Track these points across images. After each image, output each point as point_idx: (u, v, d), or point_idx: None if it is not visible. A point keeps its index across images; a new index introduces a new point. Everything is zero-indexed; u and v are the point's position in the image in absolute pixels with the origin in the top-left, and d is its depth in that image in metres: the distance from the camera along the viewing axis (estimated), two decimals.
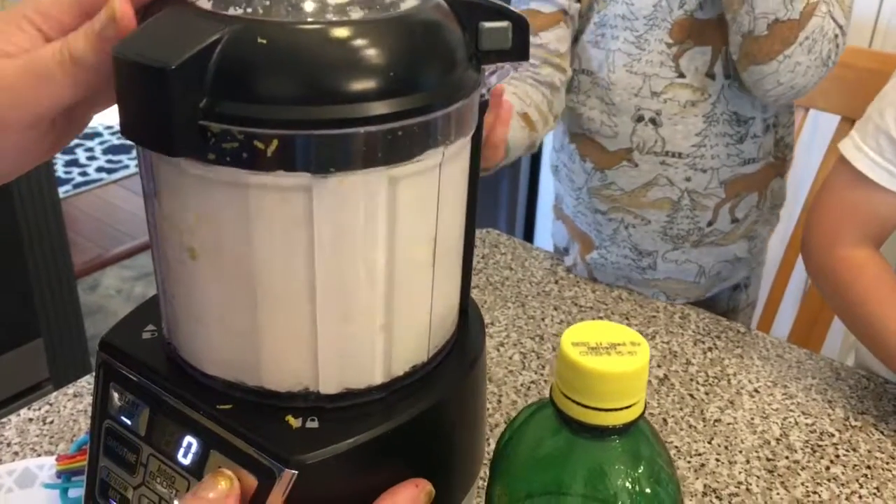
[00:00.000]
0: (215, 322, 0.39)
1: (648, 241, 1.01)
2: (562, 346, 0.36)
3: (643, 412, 0.37)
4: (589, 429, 0.36)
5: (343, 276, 0.37)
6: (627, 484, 0.37)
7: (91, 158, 3.10)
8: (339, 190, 0.35)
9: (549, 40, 0.95)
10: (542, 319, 0.93)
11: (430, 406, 0.41)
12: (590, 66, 0.96)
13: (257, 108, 0.34)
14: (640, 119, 0.94)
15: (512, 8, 0.41)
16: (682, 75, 0.92)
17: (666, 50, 0.91)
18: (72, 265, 1.89)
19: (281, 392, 0.39)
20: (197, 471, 0.39)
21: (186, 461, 0.40)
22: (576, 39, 0.98)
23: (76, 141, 3.18)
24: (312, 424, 0.39)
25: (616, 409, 0.36)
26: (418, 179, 0.38)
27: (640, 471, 0.37)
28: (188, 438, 0.40)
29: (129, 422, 0.42)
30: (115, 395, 0.43)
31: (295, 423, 0.39)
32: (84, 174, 3.00)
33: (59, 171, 2.98)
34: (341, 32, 0.35)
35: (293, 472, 0.37)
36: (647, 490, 0.37)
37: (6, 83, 0.37)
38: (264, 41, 0.34)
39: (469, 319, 0.47)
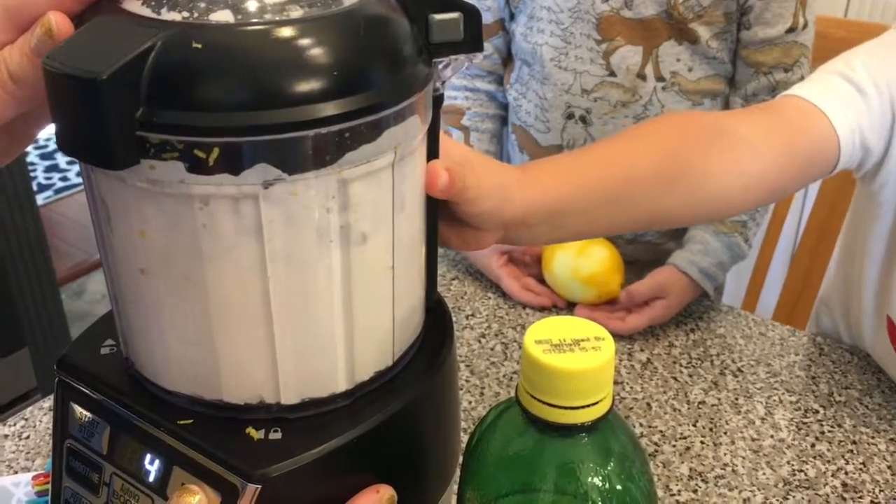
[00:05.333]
0: (171, 337, 0.38)
1: None
2: (525, 344, 0.35)
3: (611, 407, 0.36)
4: (556, 427, 0.36)
5: (298, 284, 0.36)
6: (598, 481, 0.36)
7: (71, 163, 3.07)
8: (287, 196, 0.34)
9: (492, 50, 0.98)
10: (524, 309, 0.92)
11: (396, 411, 0.40)
12: (526, 58, 0.96)
13: (196, 116, 0.33)
14: (570, 116, 0.94)
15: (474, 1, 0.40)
16: (612, 74, 0.91)
17: (595, 47, 0.91)
18: (54, 272, 1.87)
19: (241, 405, 0.38)
20: (160, 489, 0.38)
21: (150, 479, 0.39)
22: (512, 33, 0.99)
23: (55, 146, 3.15)
24: (276, 436, 0.38)
25: (583, 407, 0.35)
26: (372, 180, 0.37)
27: (610, 467, 0.36)
28: (150, 456, 0.39)
29: (90, 441, 0.41)
30: (76, 414, 0.42)
31: (257, 435, 0.38)
32: (65, 179, 2.97)
33: (40, 177, 2.95)
34: (281, 32, 0.33)
35: (256, 486, 0.36)
36: (618, 486, 0.36)
37: None
38: (199, 45, 0.32)
39: (436, 317, 0.46)
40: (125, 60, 0.32)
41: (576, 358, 0.34)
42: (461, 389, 0.79)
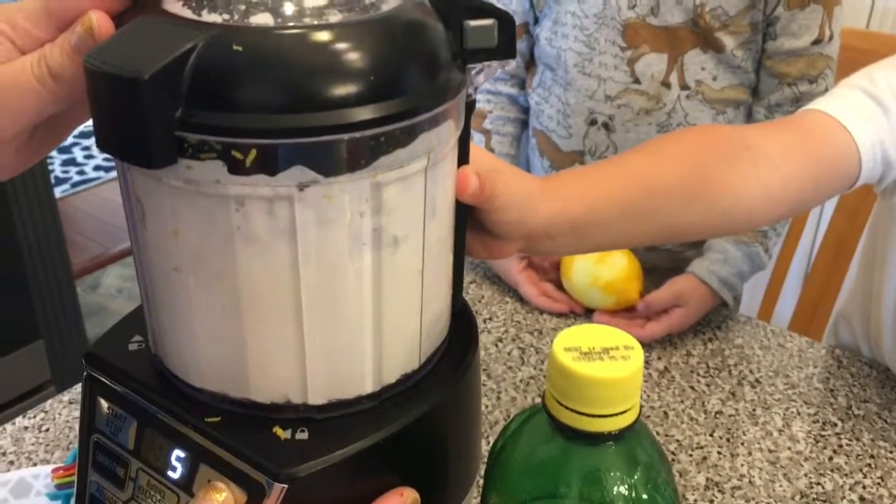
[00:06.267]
0: (201, 334, 0.38)
1: None
2: (553, 351, 0.35)
3: (638, 417, 0.36)
4: (584, 435, 0.36)
5: (329, 286, 0.36)
6: (623, 490, 0.36)
7: (88, 157, 3.09)
8: (321, 199, 0.35)
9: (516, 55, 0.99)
10: (541, 314, 0.92)
11: (422, 414, 0.40)
12: (550, 63, 0.97)
13: (234, 118, 0.33)
14: (592, 122, 0.94)
15: (494, 6, 0.40)
16: (637, 81, 0.91)
17: (620, 53, 0.91)
18: (70, 265, 1.89)
19: (268, 404, 0.39)
20: (186, 485, 0.39)
21: (175, 475, 0.39)
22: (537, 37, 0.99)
23: (72, 140, 3.18)
24: (302, 436, 0.38)
25: (611, 415, 0.35)
26: (405, 184, 0.37)
27: (636, 476, 0.36)
28: (177, 452, 0.39)
29: (117, 436, 0.42)
30: (103, 409, 0.42)
31: (284, 434, 0.38)
32: (81, 173, 2.99)
33: (57, 170, 2.97)
34: (319, 37, 0.34)
35: (283, 485, 0.36)
36: (644, 496, 0.36)
37: None
38: (239, 48, 0.33)
39: (461, 322, 0.46)
40: (166, 61, 0.32)
41: (605, 366, 0.34)
42: None
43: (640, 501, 0.36)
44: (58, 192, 2.78)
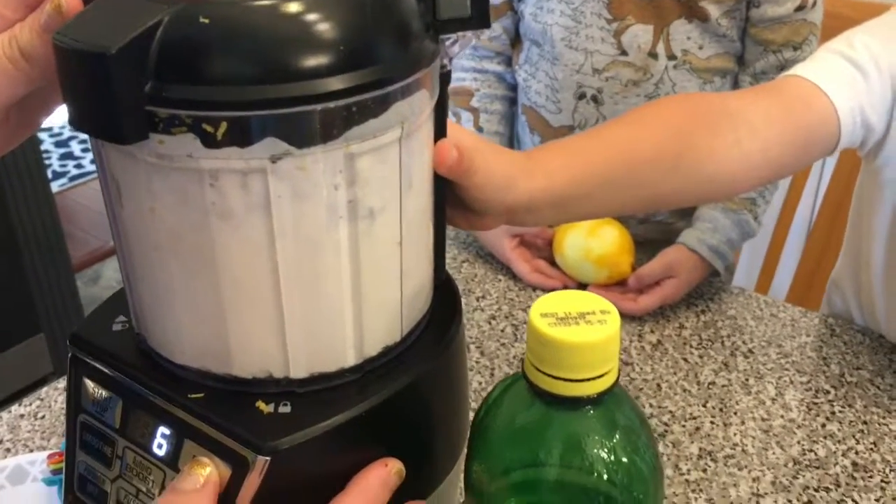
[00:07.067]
0: (181, 312, 0.38)
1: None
2: (530, 317, 0.35)
3: (616, 380, 0.36)
4: (562, 400, 0.36)
5: (306, 259, 0.36)
6: (603, 454, 0.36)
7: (86, 150, 3.09)
8: (295, 171, 0.35)
9: (500, 31, 0.97)
10: (534, 290, 0.92)
11: (404, 386, 0.40)
12: (536, 39, 0.96)
13: (204, 90, 0.33)
14: (581, 96, 0.94)
15: None
16: (624, 53, 0.91)
17: (606, 26, 0.91)
18: (69, 258, 1.89)
19: (250, 378, 0.39)
20: (172, 461, 0.39)
21: (161, 452, 0.39)
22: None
23: (69, 133, 3.17)
24: (285, 409, 0.38)
25: (588, 380, 0.35)
26: (379, 155, 0.37)
27: (615, 440, 0.36)
28: (162, 429, 0.39)
29: (103, 415, 0.42)
30: (89, 389, 0.42)
31: (266, 408, 0.38)
32: (79, 166, 2.99)
33: (55, 164, 2.97)
34: (288, 7, 0.34)
35: (266, 458, 0.36)
36: (624, 459, 0.36)
37: None
38: (206, 20, 0.33)
39: (445, 294, 0.46)
40: (133, 35, 0.32)
41: (581, 331, 0.35)
42: (471, 371, 0.79)
43: (620, 465, 0.36)
44: (56, 185, 2.78)
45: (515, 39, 1.02)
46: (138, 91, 0.33)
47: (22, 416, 0.73)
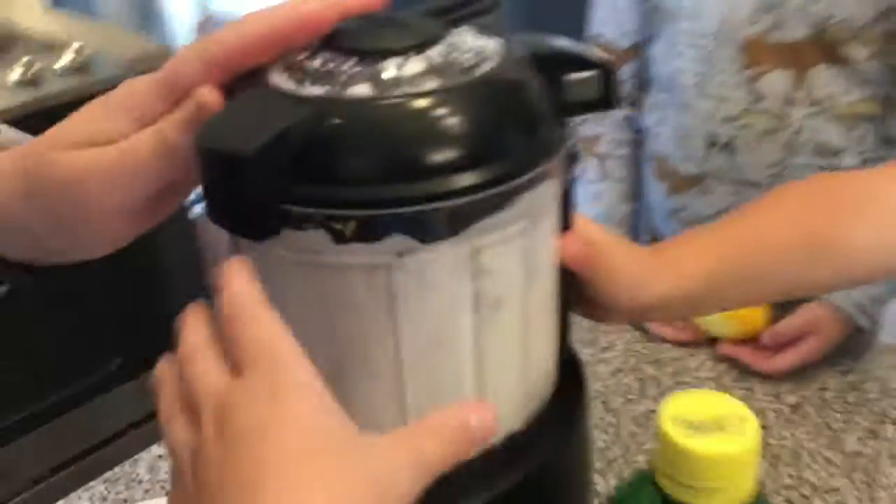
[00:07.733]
0: None
1: None
2: (662, 425, 0.34)
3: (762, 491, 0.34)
4: None
5: (430, 349, 0.36)
6: None
7: None
8: (421, 266, 0.35)
9: (627, 76, 0.96)
10: (662, 343, 0.89)
11: (528, 475, 0.39)
12: (664, 84, 0.93)
13: (335, 190, 0.33)
14: (712, 144, 0.90)
15: (595, 55, 0.39)
16: (758, 100, 0.87)
17: (740, 71, 0.86)
18: (209, 287, 1.98)
19: None
20: None
21: None
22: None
23: None
24: None
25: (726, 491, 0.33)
26: (504, 247, 0.36)
27: None
28: None
29: None
30: None
31: None
32: None
33: None
34: (417, 105, 0.34)
35: None
36: None
37: (104, 169, 0.38)
38: (340, 121, 0.33)
39: (569, 376, 0.45)
40: (269, 137, 0.33)
41: (719, 441, 0.33)
42: (596, 428, 0.77)
43: None
44: None
45: (642, 84, 0.99)
46: (273, 190, 0.33)
47: (160, 456, 0.76)
